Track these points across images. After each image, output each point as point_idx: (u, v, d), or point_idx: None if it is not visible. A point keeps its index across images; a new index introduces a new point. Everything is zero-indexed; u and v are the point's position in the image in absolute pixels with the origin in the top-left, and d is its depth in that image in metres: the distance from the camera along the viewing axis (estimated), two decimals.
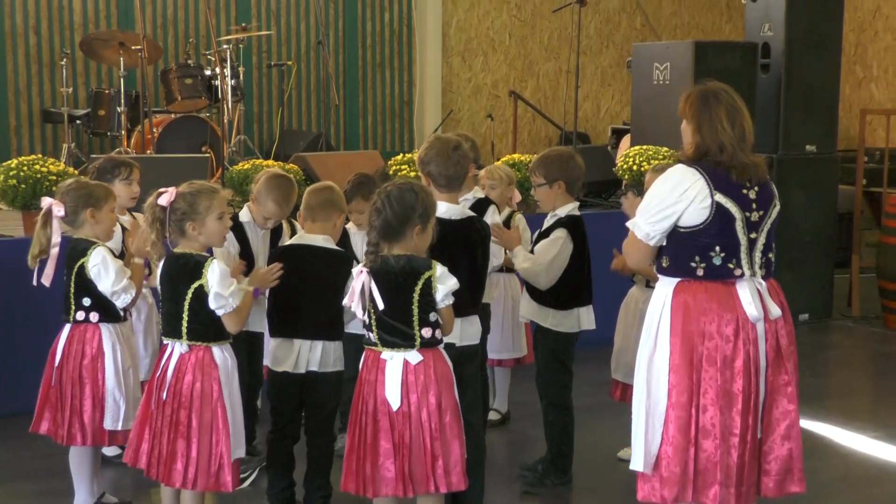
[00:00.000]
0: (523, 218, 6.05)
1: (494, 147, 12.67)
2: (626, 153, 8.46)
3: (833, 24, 9.15)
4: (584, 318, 5.30)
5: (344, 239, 5.46)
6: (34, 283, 4.71)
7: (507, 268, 5.52)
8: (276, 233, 5.41)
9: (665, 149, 8.27)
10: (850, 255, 9.59)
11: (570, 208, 5.26)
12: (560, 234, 5.16)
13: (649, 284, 5.47)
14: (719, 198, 4.04)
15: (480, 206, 5.06)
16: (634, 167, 8.14)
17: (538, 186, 5.29)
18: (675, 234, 4.09)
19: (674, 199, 4.05)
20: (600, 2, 13.40)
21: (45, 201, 4.70)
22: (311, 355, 4.75)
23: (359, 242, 5.59)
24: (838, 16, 9.20)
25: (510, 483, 5.38)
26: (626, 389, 5.55)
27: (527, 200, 6.69)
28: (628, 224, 4.21)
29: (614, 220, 7.17)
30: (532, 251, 5.21)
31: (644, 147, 8.38)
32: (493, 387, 6.30)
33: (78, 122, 10.37)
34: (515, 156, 8.22)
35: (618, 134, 12.05)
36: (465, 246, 4.52)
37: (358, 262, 5.11)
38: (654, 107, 9.08)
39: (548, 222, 5.29)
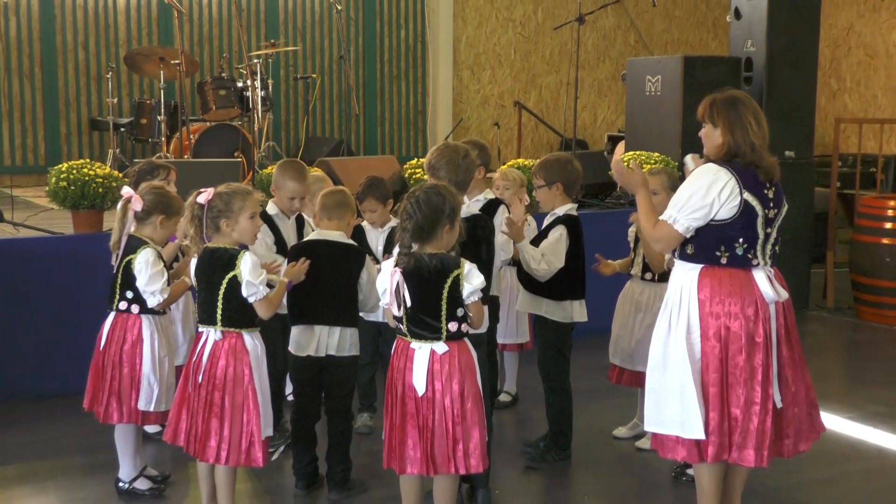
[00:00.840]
0: (533, 219, 6.05)
1: (501, 153, 12.66)
2: (621, 158, 8.45)
3: (810, 40, 9.13)
4: (577, 311, 5.29)
5: (360, 235, 5.48)
6: (113, 265, 4.73)
7: (514, 261, 5.51)
8: (300, 223, 5.44)
9: (656, 154, 8.27)
10: (825, 251, 9.60)
11: (567, 208, 5.26)
12: (560, 230, 5.16)
13: (644, 277, 5.47)
14: (747, 196, 4.13)
15: (491, 206, 5.05)
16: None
17: (539, 188, 5.30)
18: (705, 226, 4.15)
19: (711, 197, 4.11)
20: (597, 20, 13.37)
21: (127, 191, 4.71)
22: (329, 340, 4.76)
23: (373, 238, 5.61)
24: (815, 33, 9.18)
25: (515, 458, 5.38)
26: (623, 373, 5.56)
27: (531, 201, 6.69)
28: (664, 217, 4.22)
29: (610, 220, 7.20)
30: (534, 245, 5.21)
31: (637, 152, 8.38)
32: (503, 371, 6.32)
33: (122, 129, 10.41)
34: (520, 160, 8.21)
35: (613, 140, 12.03)
36: (471, 242, 4.50)
37: (373, 256, 5.14)
38: (646, 116, 9.08)
39: (547, 221, 5.29)
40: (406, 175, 7.94)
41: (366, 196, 5.53)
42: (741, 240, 4.14)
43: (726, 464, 4.27)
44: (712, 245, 4.16)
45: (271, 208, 5.38)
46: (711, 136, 4.26)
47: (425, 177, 4.75)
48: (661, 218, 4.25)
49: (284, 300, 4.68)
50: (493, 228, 4.72)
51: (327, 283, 4.73)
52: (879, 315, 8.68)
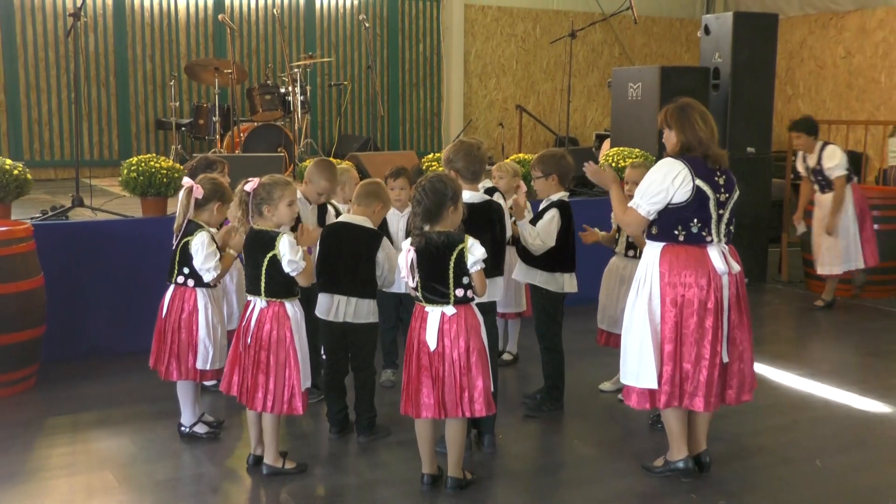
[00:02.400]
0: (529, 204, 6.02)
1: (504, 149, 12.64)
2: (607, 153, 8.42)
3: (769, 53, 9.07)
4: (567, 283, 5.26)
5: (382, 221, 5.45)
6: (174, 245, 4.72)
7: (512, 240, 5.50)
8: (322, 209, 5.40)
9: (637, 150, 8.22)
10: (780, 233, 9.57)
11: (560, 195, 5.23)
12: (553, 213, 5.14)
13: (627, 254, 5.45)
14: (699, 182, 4.16)
15: (488, 193, 5.02)
16: (613, 164, 8.09)
17: (536, 178, 5.27)
18: (664, 210, 4.19)
19: (666, 184, 4.15)
20: (587, 35, 13.29)
21: (187, 181, 4.68)
22: (347, 308, 4.74)
23: (394, 223, 5.59)
24: (773, 46, 9.12)
25: (515, 408, 5.38)
26: (610, 336, 5.55)
27: (529, 189, 6.67)
28: (630, 204, 4.27)
29: (597, 206, 7.16)
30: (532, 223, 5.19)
31: (621, 148, 8.33)
32: (505, 335, 6.32)
33: (183, 128, 10.42)
34: (521, 155, 8.18)
35: (600, 138, 11.98)
36: (486, 222, 4.49)
37: (391, 240, 5.11)
38: (628, 117, 9.03)
39: (542, 206, 5.26)
40: (424, 167, 7.91)
41: (399, 175, 5.53)
42: (695, 220, 4.16)
43: (688, 411, 4.30)
44: (671, 225, 4.19)
45: (297, 193, 5.37)
46: (669, 137, 4.32)
47: (441, 169, 4.72)
48: (629, 205, 4.29)
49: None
50: (503, 211, 4.70)
51: (347, 259, 4.71)
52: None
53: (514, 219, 5.04)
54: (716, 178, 4.20)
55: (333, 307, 4.74)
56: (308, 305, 4.87)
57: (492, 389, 4.20)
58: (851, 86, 12.45)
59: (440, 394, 4.09)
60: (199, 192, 4.64)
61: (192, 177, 4.85)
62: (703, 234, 4.18)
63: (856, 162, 11.02)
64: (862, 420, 5.34)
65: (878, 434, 5.13)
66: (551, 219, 5.12)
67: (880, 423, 5.28)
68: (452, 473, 4.26)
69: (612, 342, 5.53)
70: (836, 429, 5.21)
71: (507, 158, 7.89)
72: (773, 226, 9.59)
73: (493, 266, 4.43)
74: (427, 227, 4.09)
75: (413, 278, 4.13)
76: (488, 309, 4.52)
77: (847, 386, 5.90)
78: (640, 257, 5.28)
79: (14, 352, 5.55)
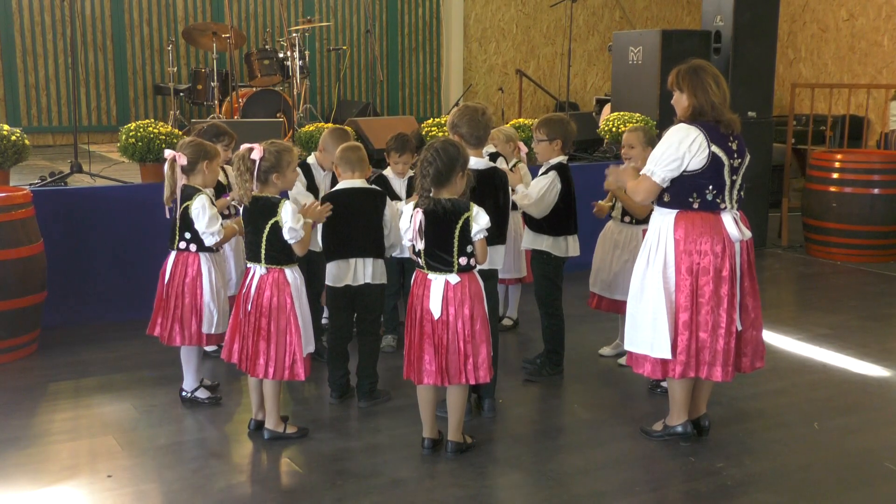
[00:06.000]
0: (525, 165, 6.04)
1: (504, 114, 12.59)
2: (607, 118, 8.39)
3: (770, 16, 9.01)
4: (571, 246, 5.26)
5: (385, 183, 5.45)
6: (167, 216, 4.69)
7: (513, 206, 5.50)
8: (335, 176, 5.40)
9: (637, 115, 8.20)
10: (780, 197, 9.57)
11: (559, 159, 5.21)
12: (550, 175, 5.12)
13: (623, 220, 5.45)
14: (714, 149, 4.07)
15: (491, 159, 5.02)
16: (613, 129, 8.08)
17: (539, 141, 5.23)
18: (678, 177, 4.11)
19: (682, 151, 4.07)
20: None
21: (169, 153, 4.62)
22: (364, 270, 4.75)
23: (397, 186, 5.59)
24: (775, 9, 9.05)
25: (516, 373, 5.41)
26: (601, 300, 5.56)
27: (529, 153, 6.66)
28: (644, 171, 4.19)
29: (598, 171, 7.13)
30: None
31: (621, 113, 8.31)
32: (506, 301, 6.35)
33: (181, 94, 10.36)
34: (521, 120, 8.16)
35: (601, 103, 11.93)
36: (490, 189, 4.48)
37: (396, 199, 5.11)
38: (629, 82, 8.99)
39: (542, 171, 5.24)
40: (423, 133, 7.89)
41: (404, 150, 5.53)
42: (710, 187, 4.09)
43: (695, 378, 4.29)
44: (686, 192, 4.12)
45: (311, 159, 5.40)
46: (680, 100, 4.22)
47: (440, 134, 4.70)
48: (641, 172, 4.22)
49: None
50: (507, 179, 4.68)
51: (359, 222, 4.71)
52: (826, 252, 8.65)
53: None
54: (729, 144, 4.13)
55: (350, 272, 4.74)
56: (308, 271, 4.88)
57: (492, 354, 4.22)
58: (854, 49, 12.37)
59: (443, 361, 4.10)
60: (183, 159, 4.59)
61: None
62: (718, 200, 4.12)
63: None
64: (860, 383, 5.37)
65: (875, 397, 5.16)
66: (544, 177, 5.11)
67: (878, 387, 5.31)
68: (453, 437, 4.29)
69: (603, 306, 5.54)
70: (833, 392, 5.24)
71: (507, 123, 7.87)
72: (773, 190, 9.59)
73: (496, 234, 4.43)
74: (434, 192, 4.08)
75: (420, 241, 4.12)
76: (490, 276, 4.52)
77: (845, 350, 5.93)
78: (635, 223, 5.32)
79: (15, 318, 5.58)
